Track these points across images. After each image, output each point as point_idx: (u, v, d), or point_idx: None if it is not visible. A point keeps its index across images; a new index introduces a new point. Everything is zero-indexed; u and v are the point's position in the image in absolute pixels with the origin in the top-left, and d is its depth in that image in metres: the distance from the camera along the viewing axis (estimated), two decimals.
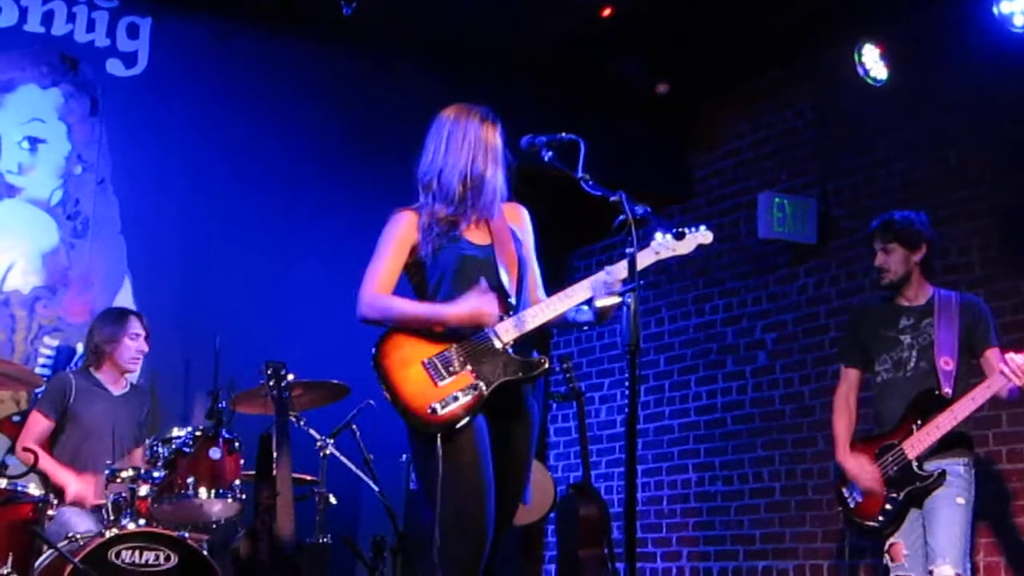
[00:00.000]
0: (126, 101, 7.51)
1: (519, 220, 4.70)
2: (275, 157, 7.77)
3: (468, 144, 4.51)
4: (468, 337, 4.36)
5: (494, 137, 4.56)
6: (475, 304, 4.33)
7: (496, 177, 4.53)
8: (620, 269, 4.29)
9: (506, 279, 4.49)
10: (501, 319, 4.38)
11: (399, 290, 4.55)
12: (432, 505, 4.21)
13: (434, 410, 4.25)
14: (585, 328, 4.56)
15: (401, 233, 4.53)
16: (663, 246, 4.46)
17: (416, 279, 4.56)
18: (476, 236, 4.55)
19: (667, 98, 8.37)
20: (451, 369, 4.32)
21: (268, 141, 7.72)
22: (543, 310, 4.42)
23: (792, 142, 8.20)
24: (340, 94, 7.84)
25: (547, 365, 4.42)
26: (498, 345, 4.35)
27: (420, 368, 4.32)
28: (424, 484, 4.35)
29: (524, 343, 4.41)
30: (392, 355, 4.36)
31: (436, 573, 4.16)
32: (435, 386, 4.29)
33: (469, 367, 4.32)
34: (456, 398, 4.27)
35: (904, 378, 5.63)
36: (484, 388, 4.30)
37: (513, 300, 4.47)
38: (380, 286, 4.47)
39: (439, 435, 4.23)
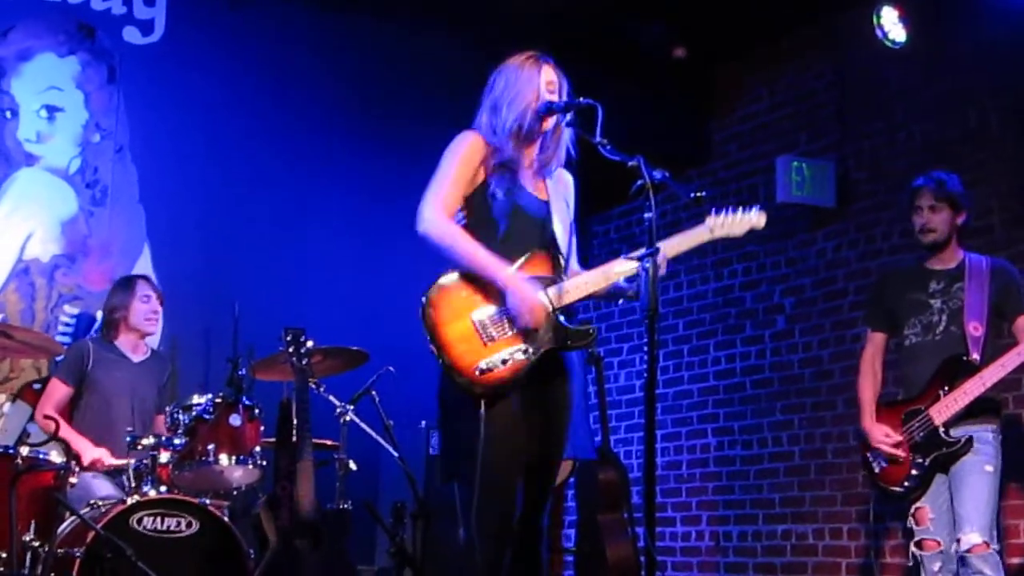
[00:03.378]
0: (143, 69, 7.51)
1: (566, 187, 4.55)
2: (293, 123, 7.75)
3: (530, 85, 4.37)
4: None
5: (555, 85, 4.43)
6: (535, 301, 4.16)
7: (558, 126, 4.38)
8: (668, 245, 4.24)
9: (561, 238, 4.38)
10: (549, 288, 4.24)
11: None
12: (469, 469, 4.07)
13: (481, 371, 4.10)
14: (630, 296, 4.37)
15: (470, 155, 4.32)
16: (719, 225, 4.40)
17: (468, 211, 4.35)
18: (535, 190, 4.41)
19: (685, 62, 8.31)
20: (501, 329, 4.16)
21: (286, 107, 7.70)
22: (586, 284, 4.29)
23: (811, 105, 8.15)
24: (359, 60, 7.80)
25: (595, 335, 4.29)
26: (548, 309, 4.21)
27: (469, 324, 4.16)
28: (457, 447, 4.21)
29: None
30: (441, 306, 4.17)
31: (469, 542, 4.07)
32: (483, 345, 4.14)
33: (519, 329, 4.16)
34: (504, 361, 4.12)
35: (933, 342, 5.58)
36: (532, 354, 4.16)
37: (564, 260, 4.35)
38: (447, 207, 4.26)
39: (482, 399, 4.09)
